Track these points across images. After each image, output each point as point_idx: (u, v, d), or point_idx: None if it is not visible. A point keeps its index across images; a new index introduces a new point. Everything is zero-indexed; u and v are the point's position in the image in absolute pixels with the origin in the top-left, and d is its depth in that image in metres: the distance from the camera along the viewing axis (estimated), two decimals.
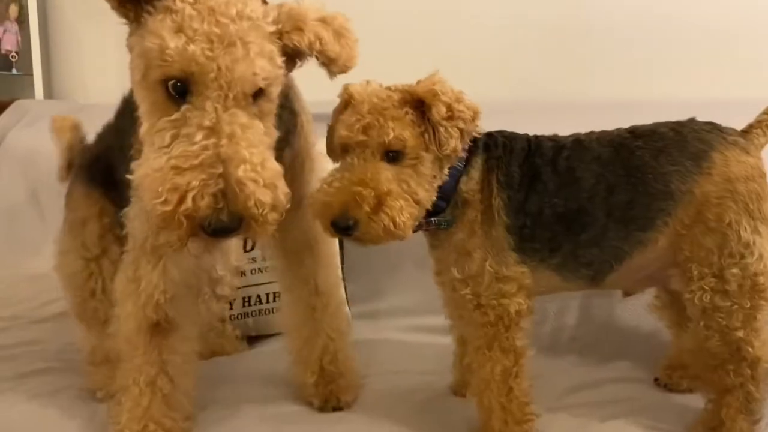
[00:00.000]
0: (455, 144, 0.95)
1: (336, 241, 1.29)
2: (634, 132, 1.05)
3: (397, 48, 2.00)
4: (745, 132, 1.04)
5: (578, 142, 1.05)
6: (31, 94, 2.77)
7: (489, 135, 1.06)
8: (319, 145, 1.14)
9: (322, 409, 1.20)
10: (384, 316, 1.60)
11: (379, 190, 0.92)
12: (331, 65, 0.93)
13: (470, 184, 1.03)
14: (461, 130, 0.96)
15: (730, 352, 1.02)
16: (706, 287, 1.00)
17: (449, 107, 0.94)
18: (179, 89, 0.84)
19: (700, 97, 1.63)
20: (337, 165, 1.00)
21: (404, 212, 0.93)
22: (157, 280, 1.06)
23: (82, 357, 1.33)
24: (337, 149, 1.00)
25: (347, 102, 1.00)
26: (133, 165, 0.88)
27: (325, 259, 1.24)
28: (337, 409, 1.20)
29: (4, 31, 2.72)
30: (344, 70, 0.94)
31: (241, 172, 0.81)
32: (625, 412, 1.14)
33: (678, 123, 1.04)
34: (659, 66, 1.77)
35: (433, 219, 1.02)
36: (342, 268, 1.59)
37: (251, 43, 0.85)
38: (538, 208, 1.02)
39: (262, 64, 0.85)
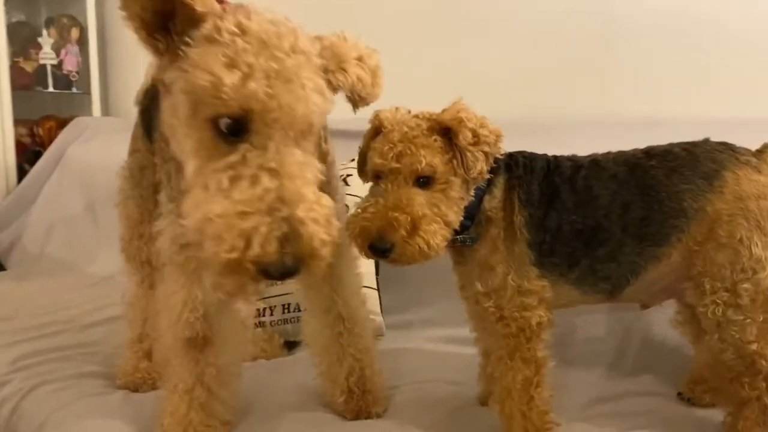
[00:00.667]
0: (481, 167, 1.00)
1: (356, 263, 1.30)
2: (649, 152, 1.08)
3: (423, 70, 2.08)
4: (759, 152, 1.07)
5: (595, 161, 1.09)
6: (89, 112, 2.94)
7: (510, 155, 1.11)
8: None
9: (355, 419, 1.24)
10: (415, 327, 1.64)
11: (414, 215, 0.97)
12: (361, 103, 0.97)
13: (493, 202, 1.08)
14: (486, 154, 1.01)
15: (745, 365, 1.04)
16: (719, 301, 1.03)
17: (474, 133, 1.00)
18: (233, 128, 0.80)
19: (730, 115, 1.64)
20: (366, 189, 1.06)
21: (437, 235, 0.98)
22: (185, 299, 1.08)
23: (126, 339, 1.44)
24: (369, 174, 1.06)
25: (378, 128, 1.06)
26: (183, 208, 0.83)
27: (345, 281, 1.24)
28: (368, 418, 1.23)
29: (66, 53, 2.90)
30: (368, 105, 0.99)
31: (302, 212, 0.78)
32: (644, 425, 1.16)
33: (691, 143, 1.08)
34: (686, 83, 1.78)
35: (458, 237, 1.07)
36: (377, 280, 1.67)
37: (307, 79, 0.82)
38: (557, 225, 1.06)
39: (316, 100, 0.83)
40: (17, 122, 2.79)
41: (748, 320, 1.02)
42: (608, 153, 1.11)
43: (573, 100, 1.91)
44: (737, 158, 1.05)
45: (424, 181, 1.00)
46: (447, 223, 1.01)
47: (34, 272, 2.26)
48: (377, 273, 1.67)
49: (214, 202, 0.78)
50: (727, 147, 1.07)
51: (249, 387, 1.31)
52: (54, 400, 1.32)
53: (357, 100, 0.97)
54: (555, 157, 1.12)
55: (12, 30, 2.84)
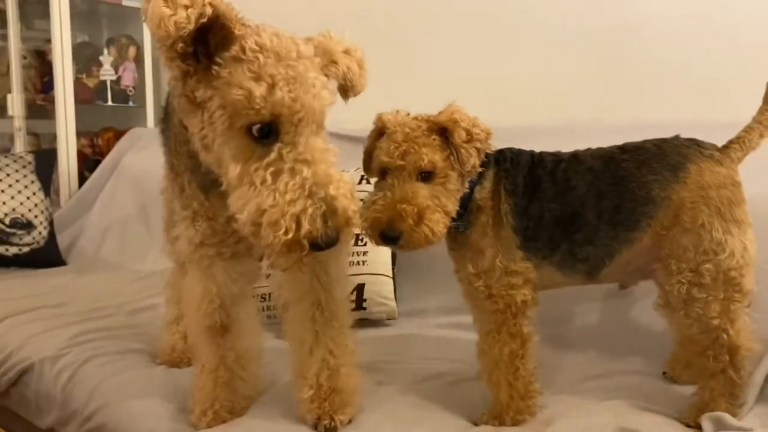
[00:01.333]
0: (474, 161, 1.13)
1: (346, 262, 1.38)
2: (623, 147, 1.20)
3: (455, 77, 2.20)
4: (725, 147, 1.18)
5: (575, 156, 1.22)
6: (144, 123, 3.15)
7: (500, 151, 1.24)
8: None
9: (315, 427, 1.19)
10: (428, 315, 1.78)
11: (420, 206, 1.09)
12: (350, 91, 1.11)
13: (483, 192, 1.20)
14: (478, 150, 1.14)
15: (710, 340, 1.14)
16: (683, 280, 1.13)
17: (468, 131, 1.12)
18: (265, 132, 0.92)
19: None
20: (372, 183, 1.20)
21: (440, 223, 1.11)
22: (203, 292, 1.23)
23: (165, 319, 1.61)
24: (376, 171, 1.18)
25: (381, 129, 1.18)
26: (235, 205, 0.94)
27: (330, 269, 1.26)
28: (329, 429, 1.17)
29: (124, 70, 3.12)
30: (357, 94, 1.12)
31: (333, 191, 0.91)
32: (624, 396, 1.26)
33: (662, 139, 1.19)
34: (707, 89, 1.81)
35: (453, 224, 1.19)
36: (393, 270, 1.81)
37: (315, 79, 0.95)
38: (540, 212, 1.19)
39: (325, 95, 0.97)
40: (79, 134, 3.02)
41: (711, 298, 1.12)
42: (588, 149, 1.23)
43: (600, 107, 1.97)
44: (701, 152, 1.16)
45: (426, 176, 1.12)
46: (446, 213, 1.13)
47: (90, 267, 2.49)
48: (393, 264, 1.81)
49: (263, 196, 0.90)
50: (693, 142, 1.18)
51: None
52: (103, 371, 1.50)
53: (349, 88, 1.10)
54: (540, 152, 1.25)
55: (77, 50, 3.07)
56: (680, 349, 1.24)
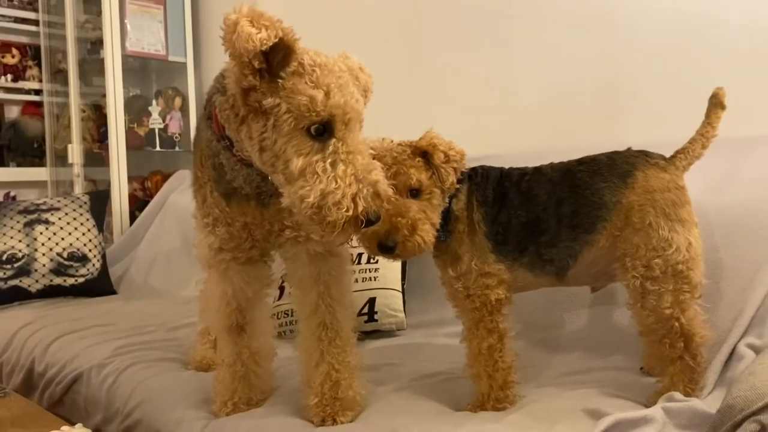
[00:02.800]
0: (452, 179, 1.30)
1: (350, 285, 1.49)
2: (580, 160, 1.35)
3: (454, 105, 2.38)
4: (671, 156, 1.32)
5: (538, 169, 1.38)
6: (188, 166, 3.40)
7: (473, 169, 1.40)
8: None
9: (320, 425, 1.33)
10: (435, 325, 1.91)
11: (412, 218, 1.23)
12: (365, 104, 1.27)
13: (459, 204, 1.36)
14: (455, 169, 1.30)
15: (665, 329, 1.26)
16: (637, 275, 1.26)
17: (445, 154, 1.29)
18: (320, 130, 1.08)
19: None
20: None
21: (429, 233, 1.26)
22: (222, 294, 1.42)
23: (198, 329, 1.80)
24: None
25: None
26: (301, 191, 1.08)
27: (333, 291, 1.40)
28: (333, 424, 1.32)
29: (171, 118, 3.41)
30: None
31: (375, 176, 1.09)
32: (598, 387, 1.37)
33: (614, 152, 1.34)
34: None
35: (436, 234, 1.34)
36: (402, 284, 1.98)
37: (355, 87, 1.14)
38: (508, 219, 1.34)
39: (362, 101, 1.16)
40: (131, 178, 3.30)
41: (662, 290, 1.25)
42: (551, 163, 1.39)
43: (588, 132, 2.10)
44: (647, 161, 1.30)
45: (415, 193, 1.28)
46: (433, 225, 1.29)
47: (137, 295, 2.73)
48: (404, 279, 1.98)
49: (326, 182, 1.06)
50: (642, 153, 1.33)
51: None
52: (141, 375, 1.71)
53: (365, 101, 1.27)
54: (508, 168, 1.41)
55: (130, 102, 3.38)
56: (642, 340, 1.36)
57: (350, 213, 1.05)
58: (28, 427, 1.39)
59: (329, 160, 1.08)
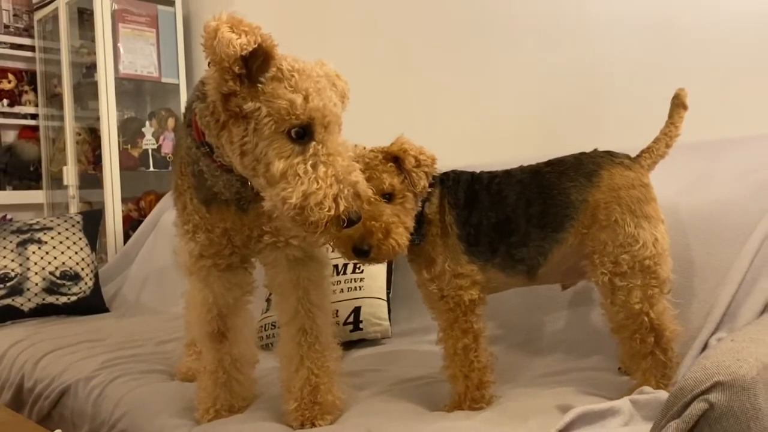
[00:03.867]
0: (424, 183, 1.31)
1: (329, 289, 1.50)
2: (548, 162, 1.38)
3: (434, 115, 2.42)
4: (636, 156, 1.35)
5: (507, 172, 1.40)
6: None
7: (444, 173, 1.42)
8: None
9: (299, 429, 1.35)
10: (420, 333, 1.93)
11: (386, 222, 1.25)
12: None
13: (432, 208, 1.38)
14: (426, 173, 1.31)
15: (636, 324, 1.28)
16: (605, 271, 1.28)
17: (416, 158, 1.30)
18: (301, 134, 1.11)
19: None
20: None
21: (403, 237, 1.27)
22: (203, 301, 1.43)
23: (185, 341, 1.81)
24: None
25: None
26: (283, 193, 1.10)
27: (312, 297, 1.42)
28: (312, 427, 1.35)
29: (164, 139, 3.44)
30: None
31: (354, 177, 1.12)
32: (575, 385, 1.39)
33: (581, 153, 1.37)
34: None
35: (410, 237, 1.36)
36: (387, 294, 1.99)
37: (332, 92, 1.17)
38: (479, 221, 1.36)
39: (339, 104, 1.19)
40: (126, 199, 3.33)
41: (631, 285, 1.27)
42: (520, 166, 1.42)
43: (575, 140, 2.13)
44: (612, 160, 1.33)
45: (388, 197, 1.29)
46: (407, 228, 1.30)
47: (129, 312, 2.74)
48: (388, 288, 2.00)
49: (307, 183, 1.08)
50: (607, 153, 1.35)
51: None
52: (127, 386, 1.72)
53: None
54: (480, 172, 1.44)
55: (124, 124, 3.42)
56: (614, 336, 1.37)
57: (332, 213, 1.07)
58: None
59: (310, 162, 1.10)
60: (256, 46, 1.07)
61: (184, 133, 1.33)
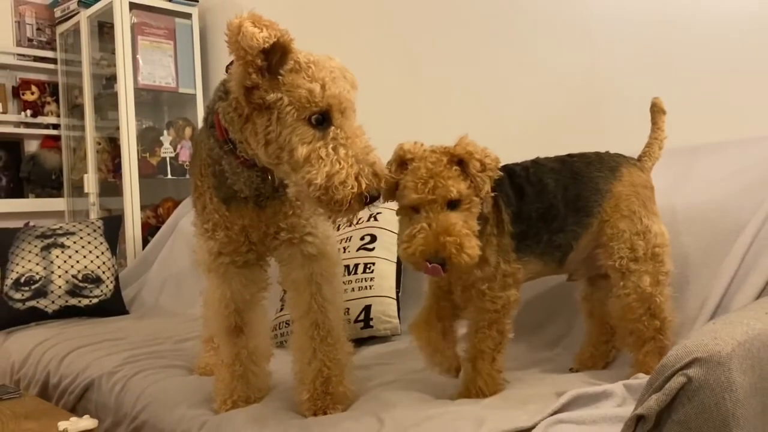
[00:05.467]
0: (488, 188, 1.27)
1: (340, 286, 1.55)
2: (570, 154, 1.46)
3: (442, 118, 2.48)
4: (639, 159, 1.45)
5: (534, 162, 1.45)
6: None
7: None
8: None
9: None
10: None
11: (459, 235, 1.20)
12: None
13: (488, 207, 1.33)
14: (490, 177, 1.28)
15: (644, 308, 1.35)
16: (623, 255, 1.37)
17: (481, 162, 1.26)
18: (320, 120, 1.19)
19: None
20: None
21: (476, 248, 1.23)
22: (221, 297, 1.50)
23: (202, 337, 1.89)
24: (406, 205, 1.27)
25: (402, 159, 1.29)
26: (308, 176, 1.17)
27: (325, 292, 1.48)
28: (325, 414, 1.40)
29: (181, 147, 3.54)
30: None
31: (372, 157, 1.18)
32: (577, 377, 1.46)
33: (597, 152, 1.47)
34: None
35: None
36: (397, 292, 2.07)
37: (344, 81, 1.24)
38: (528, 214, 1.39)
39: (352, 91, 1.25)
40: (144, 207, 3.43)
41: (643, 270, 1.35)
42: (538, 158, 1.46)
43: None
44: (628, 161, 1.44)
45: (454, 204, 1.24)
46: (474, 234, 1.25)
47: (149, 314, 2.84)
48: (398, 288, 2.07)
49: (331, 164, 1.16)
50: (620, 155, 1.45)
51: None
52: (148, 381, 1.80)
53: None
54: (503, 166, 1.38)
55: (143, 133, 3.52)
56: (618, 323, 1.43)
57: (355, 190, 1.14)
58: (40, 419, 1.49)
59: (331, 146, 1.18)
60: (276, 39, 1.16)
61: (204, 136, 1.41)
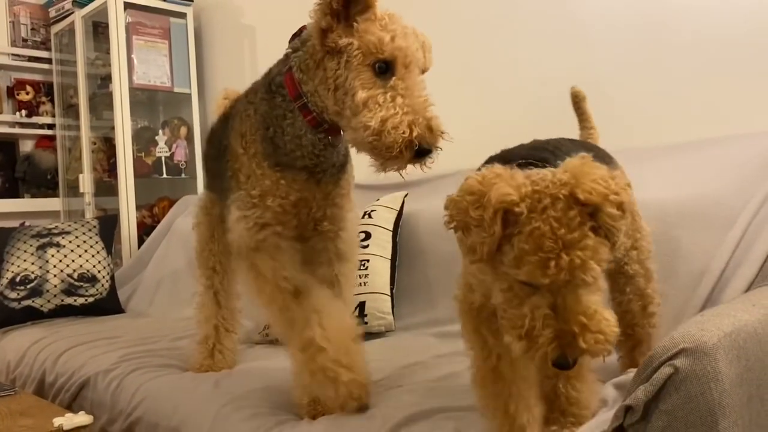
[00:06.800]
0: (623, 237, 0.89)
1: (355, 287, 1.57)
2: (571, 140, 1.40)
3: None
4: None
5: (557, 144, 1.27)
6: (194, 192, 3.56)
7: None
8: None
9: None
10: (422, 326, 2.02)
11: (599, 327, 0.85)
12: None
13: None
14: (625, 219, 0.88)
15: (642, 309, 1.34)
16: (632, 254, 1.31)
17: (620, 206, 0.86)
18: (384, 68, 1.22)
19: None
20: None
21: (613, 326, 0.87)
22: (275, 265, 1.39)
23: (196, 338, 1.89)
24: (520, 281, 0.88)
25: (507, 209, 0.86)
26: (364, 119, 1.19)
27: (347, 298, 1.51)
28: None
29: (177, 147, 3.55)
30: (426, 70, 1.34)
31: (429, 113, 1.19)
32: None
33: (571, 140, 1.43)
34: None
35: None
36: (391, 289, 2.08)
37: (416, 39, 1.28)
38: None
39: (420, 51, 1.28)
40: (140, 206, 3.44)
41: (643, 270, 1.33)
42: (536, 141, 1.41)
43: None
44: (615, 162, 1.40)
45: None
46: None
47: (144, 313, 2.85)
48: (392, 284, 2.09)
49: (386, 110, 1.18)
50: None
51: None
52: (144, 378, 1.81)
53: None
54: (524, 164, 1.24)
55: (138, 133, 3.54)
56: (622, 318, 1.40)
57: (406, 135, 1.16)
58: (36, 416, 1.50)
59: (389, 93, 1.20)
60: None
61: (258, 100, 1.42)
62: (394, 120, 1.17)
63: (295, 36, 1.41)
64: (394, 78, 1.22)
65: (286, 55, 1.39)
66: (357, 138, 1.22)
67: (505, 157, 1.06)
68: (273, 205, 1.40)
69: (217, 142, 1.61)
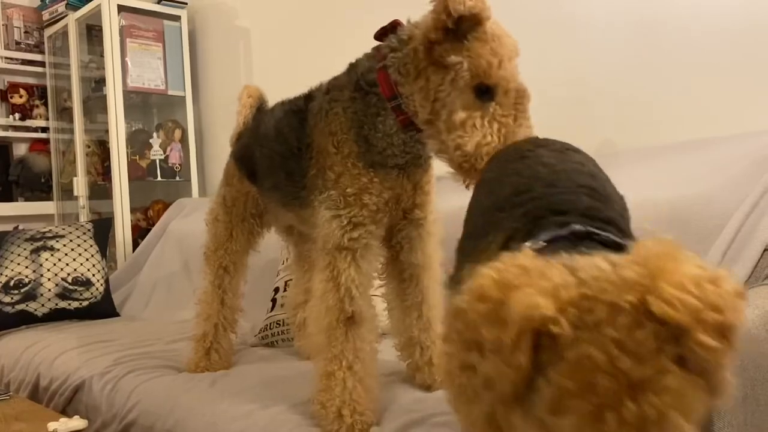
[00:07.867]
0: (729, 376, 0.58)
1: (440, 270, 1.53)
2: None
3: None
4: None
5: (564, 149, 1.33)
6: (189, 194, 3.56)
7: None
8: None
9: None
10: None
11: None
12: None
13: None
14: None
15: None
16: None
17: (721, 328, 0.55)
18: (485, 93, 1.20)
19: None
20: None
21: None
22: (354, 275, 1.35)
23: (194, 334, 1.88)
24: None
25: (539, 329, 0.55)
26: (459, 140, 1.20)
27: (432, 284, 1.51)
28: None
29: (171, 149, 3.55)
30: None
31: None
32: None
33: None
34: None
35: None
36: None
37: (515, 60, 1.25)
38: None
39: (519, 74, 1.25)
40: (134, 209, 3.43)
41: None
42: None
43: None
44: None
45: None
46: None
47: (139, 316, 2.84)
48: None
49: (482, 134, 1.19)
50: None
51: None
52: (138, 380, 1.80)
53: None
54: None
55: (132, 136, 3.53)
56: None
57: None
58: (30, 421, 1.50)
59: (487, 118, 1.21)
60: (478, 11, 1.18)
61: (348, 99, 1.39)
62: (489, 147, 1.18)
63: (385, 30, 1.37)
64: (492, 103, 1.21)
65: (377, 49, 1.37)
66: (446, 153, 1.24)
67: (551, 207, 0.73)
68: (369, 203, 1.38)
69: (288, 139, 1.53)
